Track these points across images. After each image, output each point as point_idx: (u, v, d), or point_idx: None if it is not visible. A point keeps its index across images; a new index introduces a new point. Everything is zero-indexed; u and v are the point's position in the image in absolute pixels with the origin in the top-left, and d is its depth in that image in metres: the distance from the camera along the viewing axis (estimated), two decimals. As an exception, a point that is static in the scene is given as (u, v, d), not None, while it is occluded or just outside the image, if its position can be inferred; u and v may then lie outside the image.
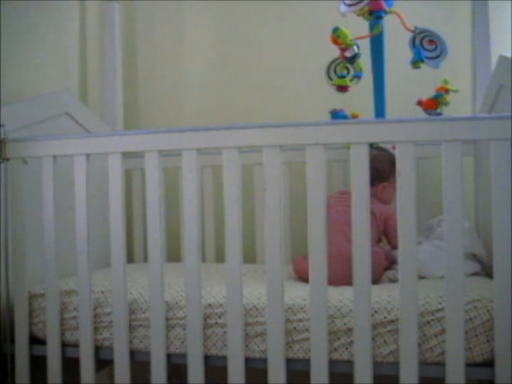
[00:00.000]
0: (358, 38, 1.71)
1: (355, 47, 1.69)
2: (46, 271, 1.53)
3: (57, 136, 1.55)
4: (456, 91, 1.70)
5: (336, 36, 1.65)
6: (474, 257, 1.64)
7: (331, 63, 1.79)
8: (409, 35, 1.72)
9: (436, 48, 1.66)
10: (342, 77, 1.71)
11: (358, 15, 1.71)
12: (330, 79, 1.78)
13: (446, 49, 1.67)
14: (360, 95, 1.94)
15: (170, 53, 2.35)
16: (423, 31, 1.69)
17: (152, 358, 1.44)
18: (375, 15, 1.66)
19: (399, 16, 1.70)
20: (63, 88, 1.95)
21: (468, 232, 1.64)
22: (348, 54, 1.67)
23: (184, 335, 1.43)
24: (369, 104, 1.80)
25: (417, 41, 1.68)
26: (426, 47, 1.67)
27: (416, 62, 1.67)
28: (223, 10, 2.30)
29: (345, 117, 1.74)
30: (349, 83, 1.74)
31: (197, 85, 2.32)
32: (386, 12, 1.67)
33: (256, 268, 1.85)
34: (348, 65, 1.74)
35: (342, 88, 1.74)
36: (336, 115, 1.75)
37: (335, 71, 1.78)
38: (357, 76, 1.75)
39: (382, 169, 1.71)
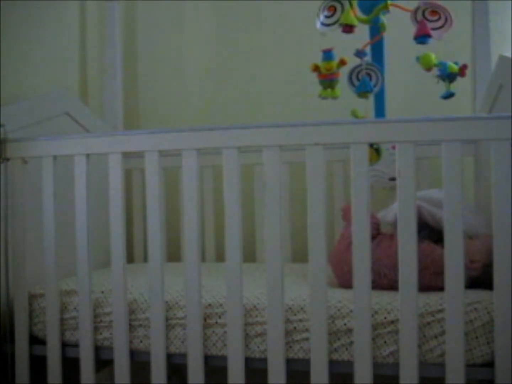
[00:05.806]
0: (363, 46, 1.69)
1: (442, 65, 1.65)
2: (46, 271, 1.53)
3: (57, 136, 1.55)
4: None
5: (421, 64, 1.65)
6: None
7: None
8: (408, 36, 1.72)
9: (370, 81, 1.68)
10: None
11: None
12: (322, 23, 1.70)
13: (382, 78, 1.68)
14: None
15: (170, 53, 2.35)
16: (369, 64, 1.69)
17: (152, 358, 1.44)
18: (418, 40, 1.62)
19: (381, 36, 1.69)
20: (63, 88, 1.95)
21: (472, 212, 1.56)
22: (437, 72, 1.65)
23: (184, 335, 1.43)
24: (369, 104, 1.80)
25: (361, 74, 1.67)
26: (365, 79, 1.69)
27: (366, 93, 1.67)
28: (223, 10, 2.29)
29: (331, 57, 1.70)
30: (356, 23, 1.65)
31: (197, 85, 2.32)
32: (430, 37, 1.62)
33: (256, 267, 1.84)
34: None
35: (348, 28, 1.65)
36: (327, 54, 1.71)
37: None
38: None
39: None
